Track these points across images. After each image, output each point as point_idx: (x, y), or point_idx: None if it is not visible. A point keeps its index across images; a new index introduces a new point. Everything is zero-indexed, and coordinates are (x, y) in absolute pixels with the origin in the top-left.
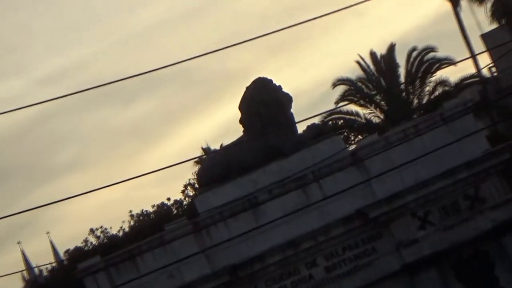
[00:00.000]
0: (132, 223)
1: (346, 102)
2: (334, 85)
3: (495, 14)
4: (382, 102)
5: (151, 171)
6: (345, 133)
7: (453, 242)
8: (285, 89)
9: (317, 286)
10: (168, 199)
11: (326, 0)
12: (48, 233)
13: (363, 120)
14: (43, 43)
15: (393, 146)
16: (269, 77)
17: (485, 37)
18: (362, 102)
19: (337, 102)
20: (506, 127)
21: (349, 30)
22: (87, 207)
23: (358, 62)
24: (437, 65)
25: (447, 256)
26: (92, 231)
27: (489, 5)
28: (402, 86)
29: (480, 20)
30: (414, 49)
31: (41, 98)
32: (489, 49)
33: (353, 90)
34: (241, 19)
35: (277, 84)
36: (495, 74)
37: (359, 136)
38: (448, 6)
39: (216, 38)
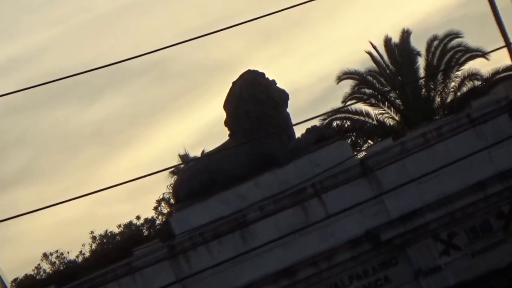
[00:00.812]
0: (94, 246)
1: (354, 101)
2: (339, 79)
3: None
4: (398, 100)
5: (118, 183)
6: (353, 137)
7: (483, 270)
8: (279, 84)
9: None
10: (138, 217)
11: None
12: None
13: (374, 122)
14: None
15: (411, 154)
16: (260, 70)
17: None
18: (373, 100)
19: (344, 101)
20: None
21: (357, 13)
22: (40, 227)
23: (369, 53)
24: (464, 55)
25: (476, 287)
26: (45, 256)
27: None
28: (422, 81)
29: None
30: (435, 36)
31: None
32: None
33: (362, 85)
34: (228, 0)
35: (270, 79)
36: None
37: (370, 141)
38: None
39: (198, 22)
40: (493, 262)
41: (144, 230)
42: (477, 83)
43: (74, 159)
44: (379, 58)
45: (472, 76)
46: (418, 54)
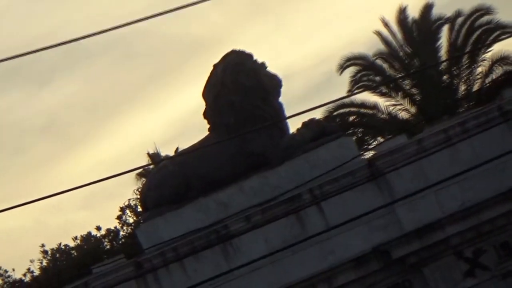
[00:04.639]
0: (45, 262)
1: (360, 89)
2: (342, 67)
3: None
4: (414, 89)
5: (73, 187)
6: (359, 133)
7: None
8: (271, 68)
9: None
10: (98, 228)
11: None
12: None
13: (385, 116)
14: None
15: (430, 154)
16: (248, 50)
17: None
18: (383, 89)
19: (349, 90)
20: None
21: None
22: None
23: (378, 32)
24: (495, 34)
25: None
26: None
27: None
28: (444, 66)
29: None
30: (460, 12)
31: None
32: None
33: (370, 71)
34: None
35: (260, 61)
36: None
37: (380, 139)
38: None
39: None
40: None
41: (105, 243)
42: (509, 68)
43: (19, 158)
44: (390, 37)
45: (504, 59)
46: (438, 35)
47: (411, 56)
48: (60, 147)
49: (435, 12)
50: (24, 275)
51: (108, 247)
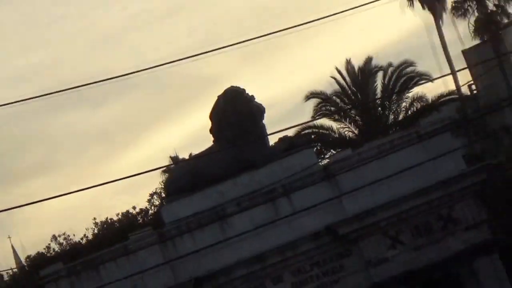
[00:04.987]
0: (96, 231)
1: (319, 116)
2: (307, 98)
3: (478, 30)
4: (357, 117)
5: (117, 178)
6: (318, 147)
7: (423, 263)
8: (258, 99)
9: None
10: (134, 207)
11: (305, 8)
12: (9, 237)
13: (336, 135)
14: (7, 41)
15: (367, 162)
16: (242, 86)
17: (466, 53)
18: (336, 116)
19: (313, 116)
20: (482, 147)
21: (327, 40)
22: (51, 212)
23: (333, 77)
24: (414, 80)
25: (417, 277)
26: (54, 237)
27: (472, 19)
28: (378, 101)
29: (462, 35)
30: (391, 63)
31: (4, 100)
32: (470, 66)
33: (327, 103)
34: (217, 23)
35: (250, 94)
36: (475, 92)
37: (332, 151)
38: (430, 19)
39: (190, 41)
40: (432, 256)
41: (138, 219)
42: (424, 104)
43: (82, 156)
44: (342, 81)
45: (420, 98)
46: (375, 79)
47: (355, 94)
48: (109, 150)
49: (374, 62)
50: (81, 238)
51: (140, 221)
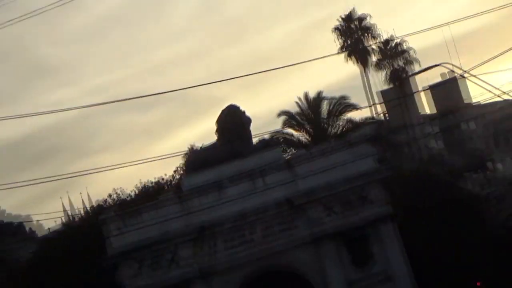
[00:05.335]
0: (137, 191)
1: (286, 127)
2: (279, 115)
3: (390, 78)
4: (310, 129)
5: (154, 158)
6: (284, 147)
7: (347, 226)
8: (247, 113)
9: (255, 245)
10: (163, 178)
11: (283, 54)
12: (80, 193)
13: (296, 140)
14: (93, 63)
15: (315, 158)
16: (237, 104)
17: (382, 92)
18: (297, 127)
19: (282, 127)
20: (390, 153)
21: (294, 78)
22: (111, 177)
23: (297, 102)
24: (348, 108)
25: (344, 235)
26: (109, 195)
27: (388, 71)
28: (324, 120)
29: (382, 80)
30: (333, 96)
31: (84, 103)
32: (385, 101)
33: (291, 119)
34: (225, 62)
35: (242, 109)
36: (387, 118)
37: (293, 150)
38: (361, 69)
39: (208, 73)
40: (354, 222)
41: (166, 186)
42: (352, 125)
43: (133, 142)
44: (302, 105)
45: (350, 120)
46: (322, 106)
47: (310, 114)
48: (150, 141)
49: (323, 94)
50: (128, 196)
51: (166, 187)
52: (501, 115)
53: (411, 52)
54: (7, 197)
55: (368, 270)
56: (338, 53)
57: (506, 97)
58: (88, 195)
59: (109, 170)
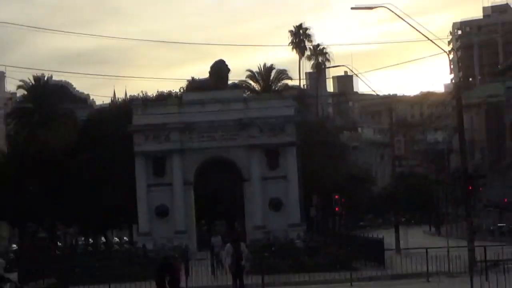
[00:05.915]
0: (154, 94)
1: (248, 79)
2: (246, 71)
3: (315, 67)
4: (262, 84)
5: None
6: (244, 90)
7: (269, 143)
8: (229, 66)
9: (216, 141)
10: (172, 90)
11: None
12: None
13: (252, 87)
14: None
15: (260, 100)
16: (224, 59)
17: (307, 73)
18: (254, 80)
19: (245, 79)
20: None
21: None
22: (142, 84)
23: (258, 66)
24: (285, 76)
25: (265, 148)
26: (141, 91)
27: (314, 62)
28: (271, 80)
29: (308, 67)
30: (279, 69)
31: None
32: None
33: (253, 75)
34: None
35: (226, 63)
36: (308, 87)
37: (249, 93)
38: (300, 57)
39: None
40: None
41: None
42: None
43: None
44: (260, 69)
45: (286, 84)
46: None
47: (263, 75)
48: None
49: (274, 66)
50: (151, 95)
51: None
52: (371, 102)
53: (330, 54)
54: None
55: (275, 172)
56: (288, 45)
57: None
58: (126, 91)
59: (144, 79)
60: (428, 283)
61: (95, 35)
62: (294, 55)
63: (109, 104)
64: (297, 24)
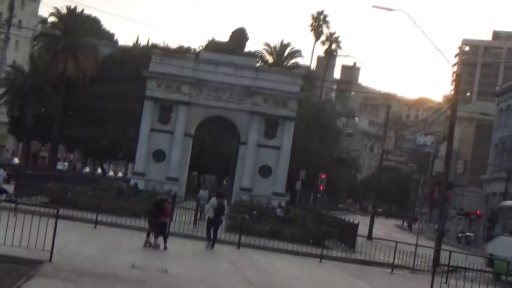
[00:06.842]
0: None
1: (264, 50)
2: (264, 44)
3: (325, 52)
4: (276, 58)
5: None
6: (258, 59)
7: (270, 113)
8: (248, 35)
9: (222, 99)
10: (190, 46)
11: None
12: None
13: (266, 60)
14: None
15: (271, 72)
16: (245, 27)
17: (318, 57)
18: (269, 54)
19: (261, 50)
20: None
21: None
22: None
23: (275, 43)
24: (297, 54)
25: (266, 117)
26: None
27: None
28: (284, 55)
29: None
30: (293, 47)
31: None
32: (318, 63)
33: (268, 48)
34: None
35: (246, 31)
36: (314, 69)
37: (262, 63)
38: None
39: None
40: None
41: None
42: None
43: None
44: (276, 44)
45: (297, 63)
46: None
47: (278, 51)
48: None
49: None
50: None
51: (192, 51)
52: (372, 96)
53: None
54: None
55: (271, 141)
56: (308, 26)
57: None
58: (148, 38)
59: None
60: (391, 274)
61: None
62: (310, 37)
63: (132, 46)
64: (320, 10)
